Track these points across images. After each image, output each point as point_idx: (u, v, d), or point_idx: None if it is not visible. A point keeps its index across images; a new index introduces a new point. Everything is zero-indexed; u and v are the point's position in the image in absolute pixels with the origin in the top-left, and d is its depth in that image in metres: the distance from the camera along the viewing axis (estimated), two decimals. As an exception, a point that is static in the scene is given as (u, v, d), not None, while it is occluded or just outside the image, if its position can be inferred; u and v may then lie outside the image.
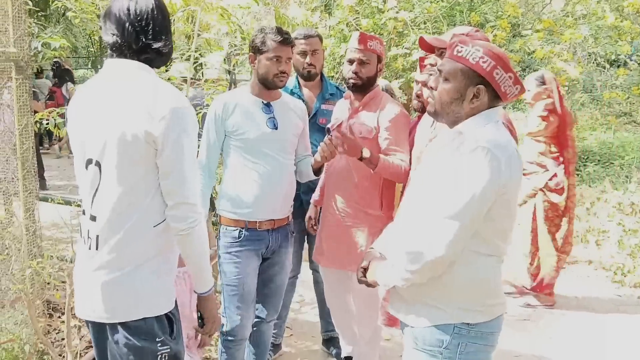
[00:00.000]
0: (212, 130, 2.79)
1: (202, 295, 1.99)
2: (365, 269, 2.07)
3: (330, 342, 3.68)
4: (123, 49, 1.83)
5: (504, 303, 1.94)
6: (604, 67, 7.99)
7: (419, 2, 6.72)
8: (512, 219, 1.88)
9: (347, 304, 3.21)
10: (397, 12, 6.24)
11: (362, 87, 2.88)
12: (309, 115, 3.24)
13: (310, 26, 6.03)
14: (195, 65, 4.40)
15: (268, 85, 2.77)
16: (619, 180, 6.93)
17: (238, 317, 2.81)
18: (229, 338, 2.85)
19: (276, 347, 3.59)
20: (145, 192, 1.82)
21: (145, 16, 1.82)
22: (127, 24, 1.81)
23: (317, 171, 2.90)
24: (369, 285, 2.06)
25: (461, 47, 1.85)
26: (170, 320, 1.91)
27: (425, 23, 6.75)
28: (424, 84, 2.56)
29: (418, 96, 2.74)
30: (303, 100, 3.30)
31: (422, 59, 2.74)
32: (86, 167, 1.85)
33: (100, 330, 1.93)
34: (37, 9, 6.84)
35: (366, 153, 2.71)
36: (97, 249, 1.83)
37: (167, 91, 1.82)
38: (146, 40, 1.83)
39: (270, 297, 2.97)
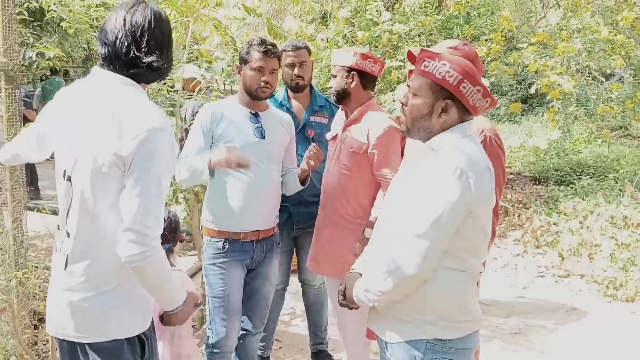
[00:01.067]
0: (199, 136, 2.78)
1: (171, 313, 1.91)
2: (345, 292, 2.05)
3: (319, 355, 3.66)
4: (113, 60, 1.78)
5: (479, 320, 1.93)
6: (599, 81, 8.01)
7: (413, 15, 6.77)
8: (483, 235, 1.87)
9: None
10: (391, 25, 6.27)
11: (342, 100, 2.91)
12: (297, 127, 3.24)
13: (304, 38, 6.06)
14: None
15: (252, 96, 2.79)
16: (613, 193, 6.94)
17: (224, 329, 2.80)
18: (215, 350, 2.83)
19: (264, 359, 3.57)
20: (116, 214, 1.71)
21: (140, 28, 1.77)
22: (120, 34, 1.76)
23: (304, 181, 2.89)
24: (350, 307, 2.05)
25: (428, 62, 1.86)
26: (142, 342, 1.86)
27: (419, 36, 6.79)
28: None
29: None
30: (292, 112, 3.31)
31: (410, 72, 2.74)
32: (63, 177, 1.80)
33: (71, 350, 1.85)
34: (32, 19, 6.87)
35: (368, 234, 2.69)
36: (65, 268, 1.78)
37: (147, 110, 1.74)
38: (137, 53, 1.77)
39: (256, 309, 2.95)
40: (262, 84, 2.74)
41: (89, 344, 1.79)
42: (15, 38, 3.03)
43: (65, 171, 1.79)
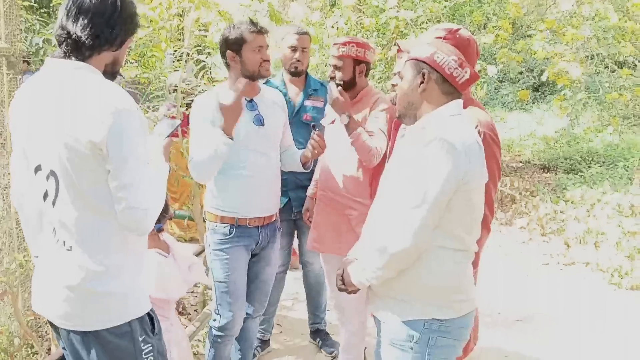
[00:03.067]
0: (206, 129, 2.67)
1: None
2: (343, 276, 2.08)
3: (317, 333, 3.74)
4: (61, 43, 1.73)
5: (473, 300, 1.96)
6: (611, 69, 7.92)
7: (421, 1, 6.71)
8: (476, 211, 1.91)
9: None
10: (397, 12, 6.23)
11: (348, 89, 2.95)
12: (293, 111, 3.30)
13: (310, 25, 6.04)
14: (201, 65, 4.42)
15: (255, 77, 2.74)
16: (621, 181, 6.88)
17: (230, 313, 2.81)
18: (220, 334, 2.86)
19: (264, 343, 3.61)
20: (109, 197, 1.72)
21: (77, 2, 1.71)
22: (62, 14, 1.72)
23: (305, 165, 2.91)
24: (349, 291, 2.07)
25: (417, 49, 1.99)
26: (151, 318, 1.88)
27: (427, 23, 6.74)
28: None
29: (394, 86, 2.84)
30: (288, 97, 3.33)
31: (398, 51, 2.84)
32: (35, 172, 1.76)
33: (84, 340, 1.81)
34: (38, 5, 6.90)
35: (344, 120, 2.82)
36: (68, 254, 1.76)
37: (106, 93, 1.69)
38: (65, 22, 1.70)
39: (257, 292, 2.98)
40: (264, 62, 2.72)
41: (107, 330, 1.77)
42: (17, 23, 3.05)
43: (39, 166, 1.75)
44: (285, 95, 3.30)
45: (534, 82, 11.67)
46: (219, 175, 2.76)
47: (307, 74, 3.48)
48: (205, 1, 3.75)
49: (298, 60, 3.31)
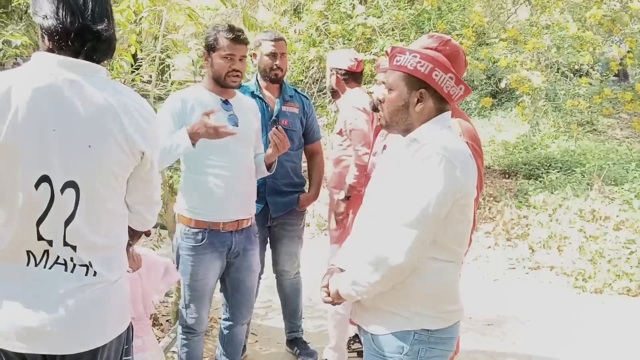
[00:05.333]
0: (169, 122, 2.68)
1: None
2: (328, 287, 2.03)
3: (295, 342, 3.69)
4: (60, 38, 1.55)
5: (462, 309, 1.96)
6: (567, 77, 8.15)
7: (387, 9, 6.77)
8: (468, 223, 1.89)
9: None
10: (365, 19, 6.27)
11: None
12: (270, 117, 3.29)
13: (278, 30, 6.01)
14: (162, 66, 4.33)
15: (221, 84, 2.75)
16: (580, 187, 7.07)
17: (196, 314, 2.86)
18: (188, 331, 2.90)
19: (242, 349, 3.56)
20: (124, 205, 1.70)
21: None
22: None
23: (269, 166, 2.90)
24: (333, 303, 2.03)
25: (399, 56, 1.89)
26: (129, 328, 1.79)
27: (393, 30, 6.80)
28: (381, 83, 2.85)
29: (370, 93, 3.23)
30: (265, 102, 3.32)
31: (378, 67, 3.15)
32: (36, 187, 1.50)
33: None
34: (-3, 6, 6.66)
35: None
36: (89, 274, 1.59)
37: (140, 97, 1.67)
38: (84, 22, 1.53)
39: (243, 300, 2.98)
40: (232, 71, 2.71)
41: (104, 346, 1.63)
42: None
43: (46, 177, 1.51)
44: (262, 100, 3.30)
45: (492, 89, 11.91)
46: (191, 175, 2.76)
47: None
48: (175, 5, 3.68)
49: (278, 67, 3.28)
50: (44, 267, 1.55)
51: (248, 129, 2.81)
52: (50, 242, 1.54)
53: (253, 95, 3.29)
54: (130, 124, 1.58)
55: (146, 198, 1.75)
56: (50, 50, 1.54)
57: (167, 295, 3.73)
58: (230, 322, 2.98)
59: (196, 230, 2.75)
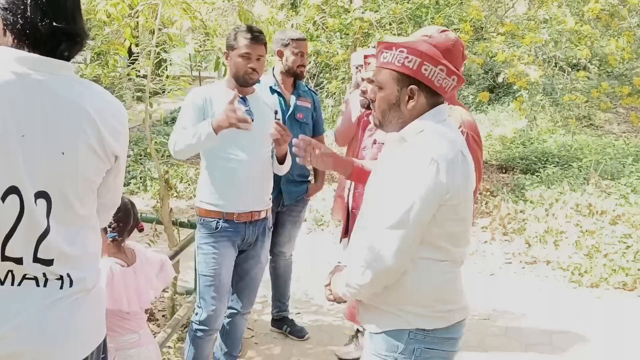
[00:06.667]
0: (191, 113, 2.82)
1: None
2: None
3: (283, 321, 3.85)
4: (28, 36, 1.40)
5: (465, 308, 1.92)
6: (565, 71, 8.14)
7: (384, 3, 6.74)
8: (463, 222, 1.84)
9: None
10: (362, 13, 6.25)
11: None
12: (288, 111, 3.51)
13: (275, 25, 5.99)
14: (157, 60, 4.31)
15: (239, 82, 2.87)
16: (577, 182, 7.08)
17: (212, 307, 2.88)
18: (202, 328, 2.91)
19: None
20: (96, 212, 1.58)
21: None
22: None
23: (281, 160, 2.98)
24: (337, 301, 2.04)
25: (386, 53, 1.83)
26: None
27: (390, 24, 6.78)
28: (370, 81, 2.90)
29: (364, 92, 3.16)
30: (283, 97, 3.53)
31: (366, 57, 3.15)
32: (2, 199, 1.33)
33: None
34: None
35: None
36: (64, 286, 1.45)
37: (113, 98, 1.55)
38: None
39: (246, 289, 3.06)
40: (249, 70, 2.83)
41: (91, 354, 1.54)
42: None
43: (15, 187, 1.34)
44: (280, 94, 3.52)
45: (489, 84, 11.90)
46: (208, 168, 2.89)
47: None
48: (170, -1, 3.66)
49: (303, 65, 3.51)
50: (12, 284, 1.38)
51: (263, 124, 2.87)
52: (18, 260, 1.37)
53: (272, 90, 3.49)
54: (105, 128, 1.46)
55: (112, 204, 1.70)
56: (11, 45, 1.37)
57: (163, 290, 3.72)
58: (232, 311, 3.05)
59: (211, 219, 2.86)
